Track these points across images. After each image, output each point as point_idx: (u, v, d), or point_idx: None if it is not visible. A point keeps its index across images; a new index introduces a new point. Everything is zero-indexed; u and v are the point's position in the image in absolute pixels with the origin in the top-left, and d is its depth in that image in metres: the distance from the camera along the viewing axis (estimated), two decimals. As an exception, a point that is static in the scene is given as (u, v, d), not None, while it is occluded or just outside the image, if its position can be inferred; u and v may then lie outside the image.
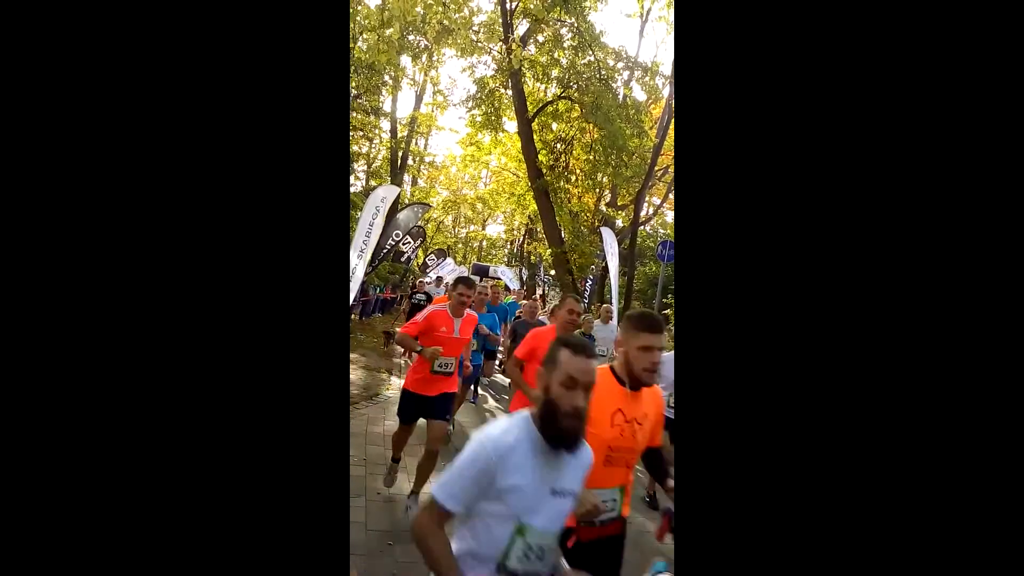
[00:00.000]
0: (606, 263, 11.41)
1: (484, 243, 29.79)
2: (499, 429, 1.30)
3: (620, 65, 15.23)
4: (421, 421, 3.66)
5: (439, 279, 11.60)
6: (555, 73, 14.83)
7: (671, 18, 14.84)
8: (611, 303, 10.96)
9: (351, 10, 12.75)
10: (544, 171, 14.75)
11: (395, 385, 7.37)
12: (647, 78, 16.02)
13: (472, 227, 29.38)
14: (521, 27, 14.65)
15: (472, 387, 6.61)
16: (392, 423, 5.65)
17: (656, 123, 16.40)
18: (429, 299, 8.98)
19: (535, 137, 14.93)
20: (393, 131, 20.15)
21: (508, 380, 6.12)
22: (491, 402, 7.43)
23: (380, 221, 7.11)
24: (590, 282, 13.85)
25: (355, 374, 7.53)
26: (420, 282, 11.23)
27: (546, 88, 15.63)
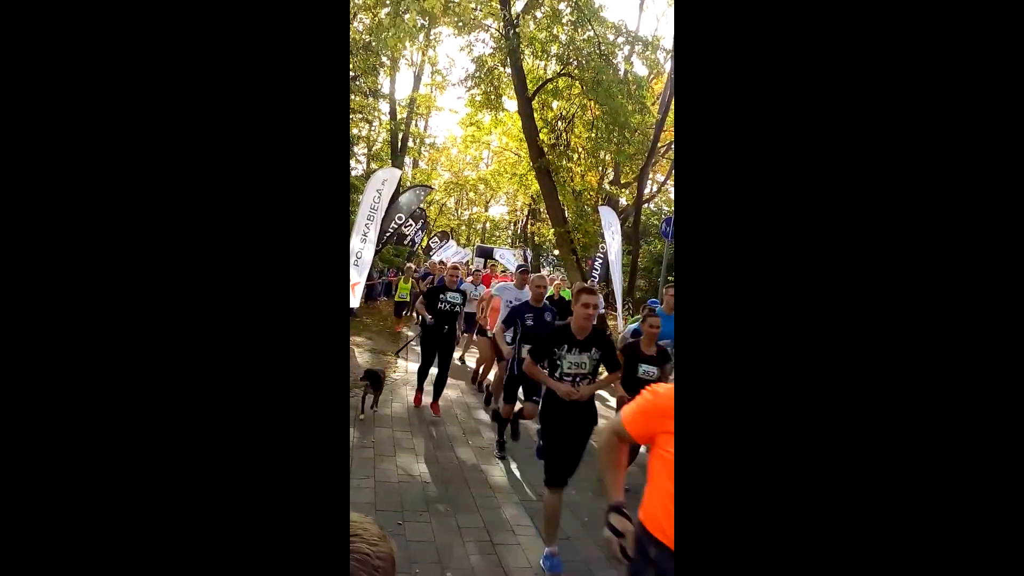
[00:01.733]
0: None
1: (487, 225, 29.67)
2: None
3: (620, 40, 14.94)
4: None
5: (483, 267, 7.50)
6: (554, 50, 14.57)
7: (672, -11, 14.53)
8: (615, 283, 10.93)
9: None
10: (546, 150, 14.60)
11: (402, 368, 7.40)
12: (648, 52, 15.71)
13: (475, 209, 29.24)
14: (519, 2, 14.39)
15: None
16: (399, 405, 5.70)
17: (658, 98, 16.17)
18: (464, 299, 5.46)
19: (535, 116, 14.74)
20: (392, 113, 19.95)
21: None
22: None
23: (383, 204, 7.05)
24: (599, 261, 13.77)
25: (362, 357, 7.57)
26: (453, 269, 5.54)
27: (546, 65, 15.38)
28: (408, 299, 10.50)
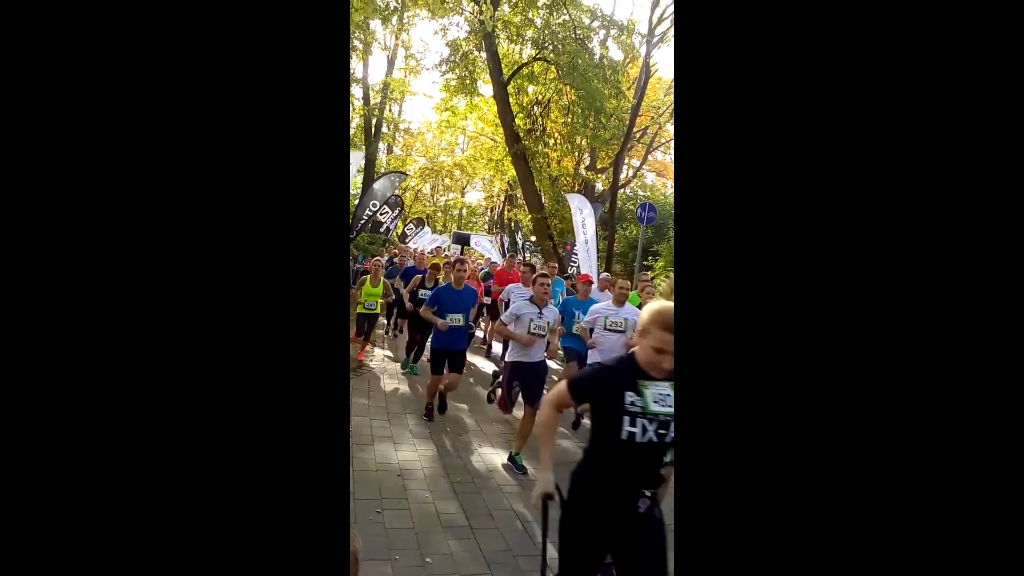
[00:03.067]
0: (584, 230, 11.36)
1: (464, 211, 29.48)
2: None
3: (596, 24, 14.87)
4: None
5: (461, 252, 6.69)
6: (530, 34, 14.44)
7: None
8: (591, 267, 10.97)
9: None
10: (522, 135, 14.52)
11: (378, 356, 7.37)
12: (623, 37, 15.66)
13: (451, 195, 29.02)
14: (494, -15, 14.18)
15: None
16: (377, 394, 5.68)
17: (633, 83, 16.16)
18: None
19: (511, 100, 14.63)
20: (366, 98, 19.59)
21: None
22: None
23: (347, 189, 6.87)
24: (576, 246, 13.77)
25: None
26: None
27: (521, 49, 15.24)
28: (378, 311, 6.73)
